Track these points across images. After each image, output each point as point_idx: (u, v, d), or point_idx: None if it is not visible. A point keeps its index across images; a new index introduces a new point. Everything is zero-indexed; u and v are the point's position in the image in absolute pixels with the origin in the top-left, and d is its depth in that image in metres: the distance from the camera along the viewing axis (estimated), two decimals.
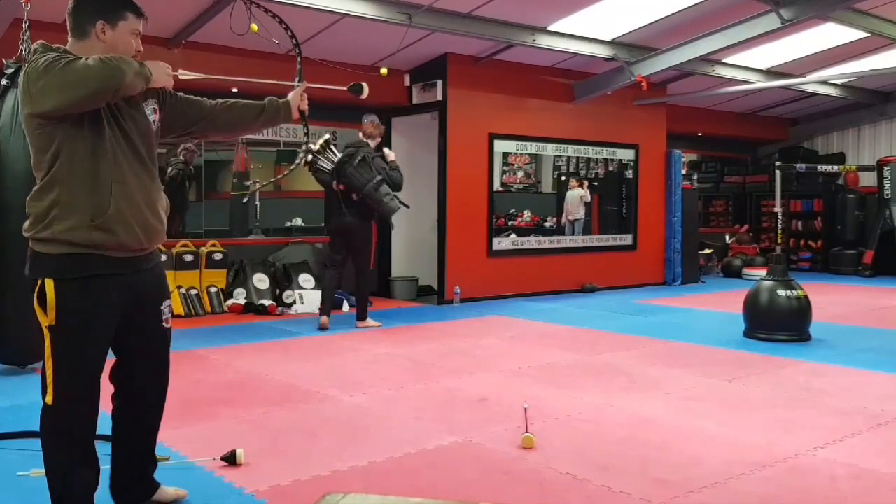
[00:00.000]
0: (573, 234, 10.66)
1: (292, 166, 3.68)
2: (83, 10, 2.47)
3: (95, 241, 2.40)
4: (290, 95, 2.95)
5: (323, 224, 9.83)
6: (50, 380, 2.41)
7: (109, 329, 2.51)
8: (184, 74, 2.77)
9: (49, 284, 2.39)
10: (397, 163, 7.11)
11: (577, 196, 10.81)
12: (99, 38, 2.45)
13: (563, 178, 11.27)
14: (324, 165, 6.90)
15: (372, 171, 6.79)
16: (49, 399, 2.43)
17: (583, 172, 10.97)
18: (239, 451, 3.28)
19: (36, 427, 2.48)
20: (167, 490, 2.81)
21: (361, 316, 7.13)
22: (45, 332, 2.42)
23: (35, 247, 2.44)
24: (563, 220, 10.98)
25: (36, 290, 2.42)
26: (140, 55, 2.51)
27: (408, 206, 7.16)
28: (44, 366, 2.45)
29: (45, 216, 2.40)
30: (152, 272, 2.65)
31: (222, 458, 3.27)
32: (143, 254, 2.57)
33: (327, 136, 7.01)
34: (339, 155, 6.90)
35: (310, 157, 6.71)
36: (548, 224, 11.71)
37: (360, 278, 7.12)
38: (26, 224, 2.46)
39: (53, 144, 2.38)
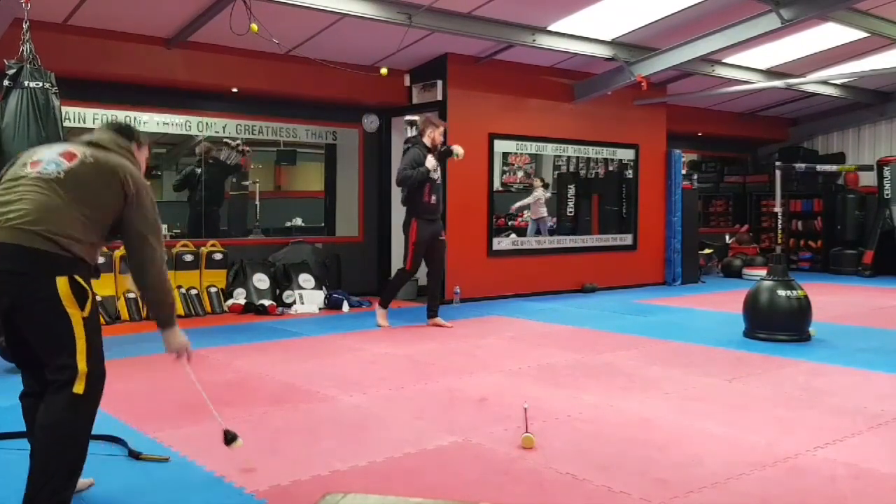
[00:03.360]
0: (537, 234, 10.64)
1: None
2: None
3: None
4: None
5: (323, 224, 9.86)
6: (84, 371, 2.56)
7: None
8: None
9: (80, 279, 2.60)
10: (429, 168, 6.91)
11: (538, 196, 10.78)
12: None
13: (551, 178, 11.31)
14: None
15: None
16: (80, 388, 2.55)
17: (583, 172, 10.99)
18: (239, 440, 3.28)
19: None
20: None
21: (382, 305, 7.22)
22: (79, 325, 2.57)
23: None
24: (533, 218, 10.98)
25: (69, 287, 2.55)
26: None
27: None
28: (64, 358, 2.55)
29: None
30: None
31: (224, 441, 3.27)
32: None
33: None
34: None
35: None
36: (547, 224, 11.72)
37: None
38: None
39: None
